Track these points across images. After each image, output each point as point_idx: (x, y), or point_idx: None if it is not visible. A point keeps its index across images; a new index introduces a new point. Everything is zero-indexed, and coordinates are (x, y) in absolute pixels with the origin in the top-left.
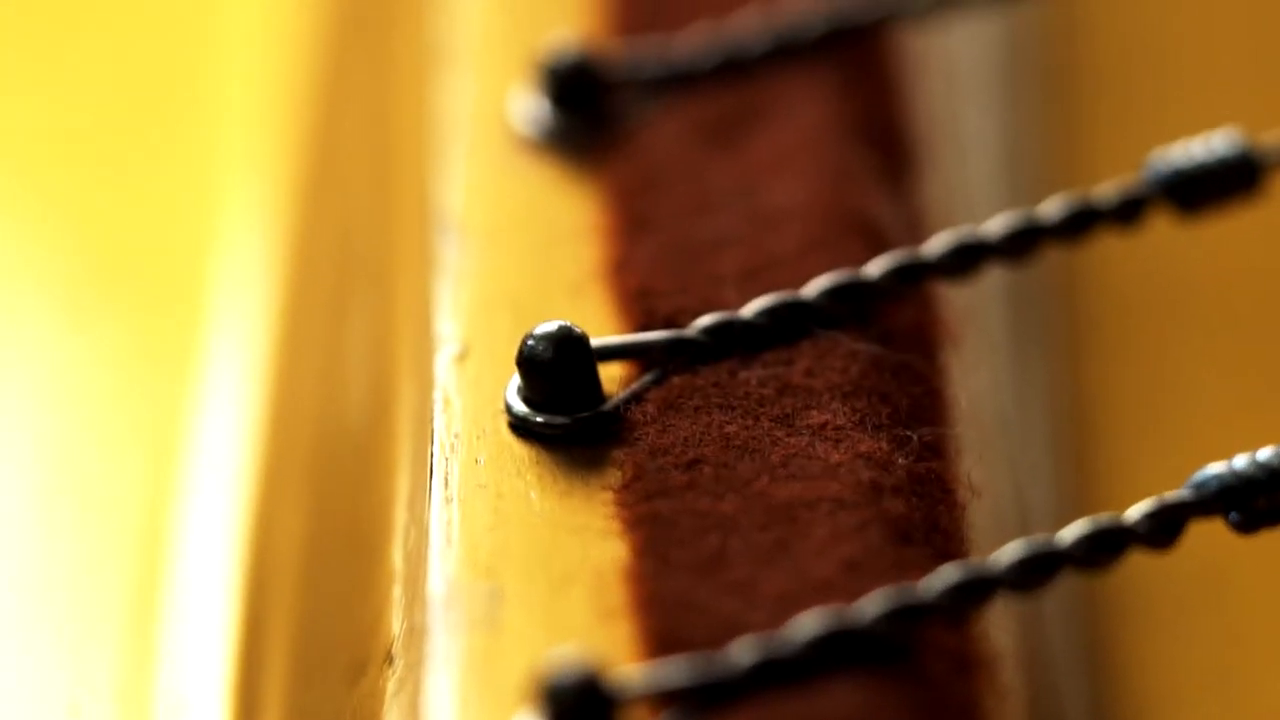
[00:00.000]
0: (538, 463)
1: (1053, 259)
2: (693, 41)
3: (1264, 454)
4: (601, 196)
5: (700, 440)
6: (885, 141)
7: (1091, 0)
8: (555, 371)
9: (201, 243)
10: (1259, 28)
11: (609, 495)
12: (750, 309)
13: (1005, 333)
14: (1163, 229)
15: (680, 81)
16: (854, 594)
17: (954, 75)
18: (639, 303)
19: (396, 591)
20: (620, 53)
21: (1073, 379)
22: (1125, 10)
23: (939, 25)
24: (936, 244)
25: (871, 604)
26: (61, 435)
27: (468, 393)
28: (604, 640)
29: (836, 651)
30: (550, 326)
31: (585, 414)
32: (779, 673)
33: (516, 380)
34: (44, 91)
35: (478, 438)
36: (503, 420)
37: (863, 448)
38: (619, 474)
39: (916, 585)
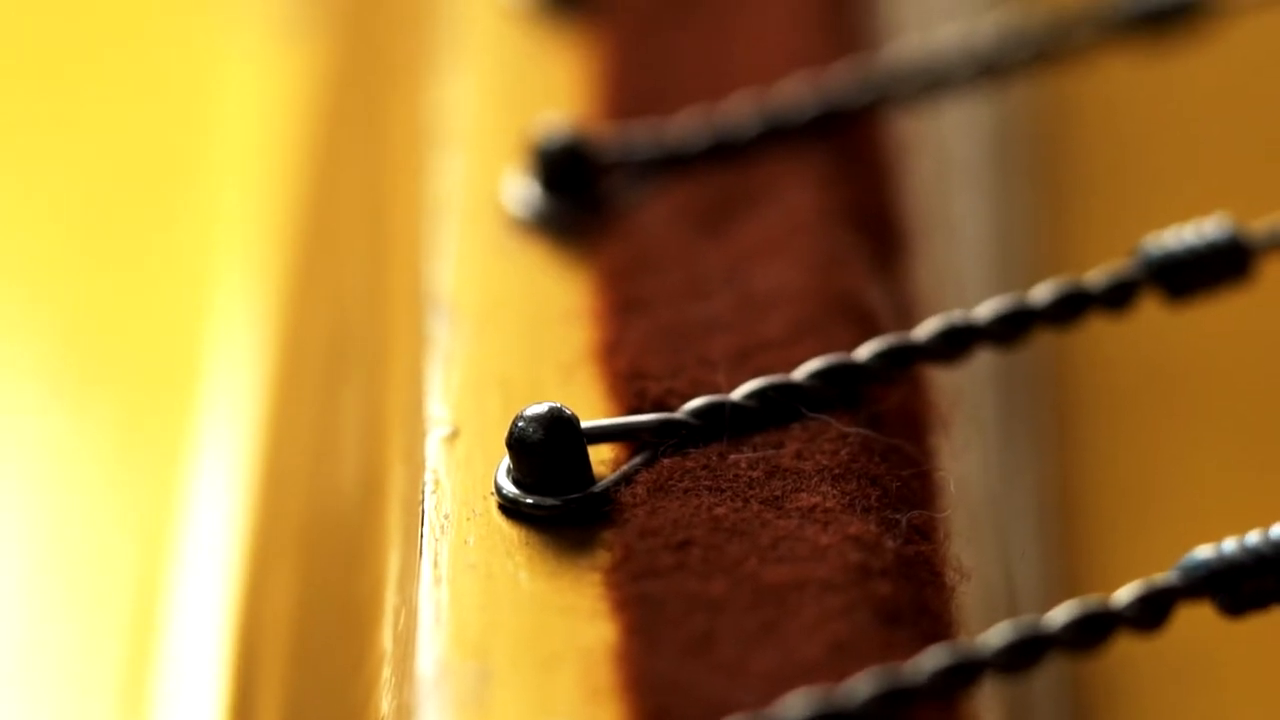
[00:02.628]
0: (527, 544)
1: (1042, 342)
2: (684, 125)
3: (1252, 539)
4: (593, 279)
5: (689, 522)
6: (876, 226)
7: (1081, 86)
8: (545, 453)
9: (193, 325)
10: (1245, 116)
11: (598, 576)
12: (740, 392)
13: (995, 416)
14: (1151, 313)
15: (671, 164)
16: (842, 675)
17: (945, 160)
18: (629, 385)
19: (386, 671)
20: (612, 136)
21: (1061, 462)
22: (1115, 96)
23: (929, 110)
24: (926, 328)
25: (860, 685)
26: (53, 517)
27: (458, 474)
28: None
29: None
30: (540, 408)
31: (575, 495)
32: None
33: (506, 461)
34: (38, 177)
35: (468, 519)
36: (493, 501)
37: (851, 530)
38: (608, 555)
39: (905, 667)
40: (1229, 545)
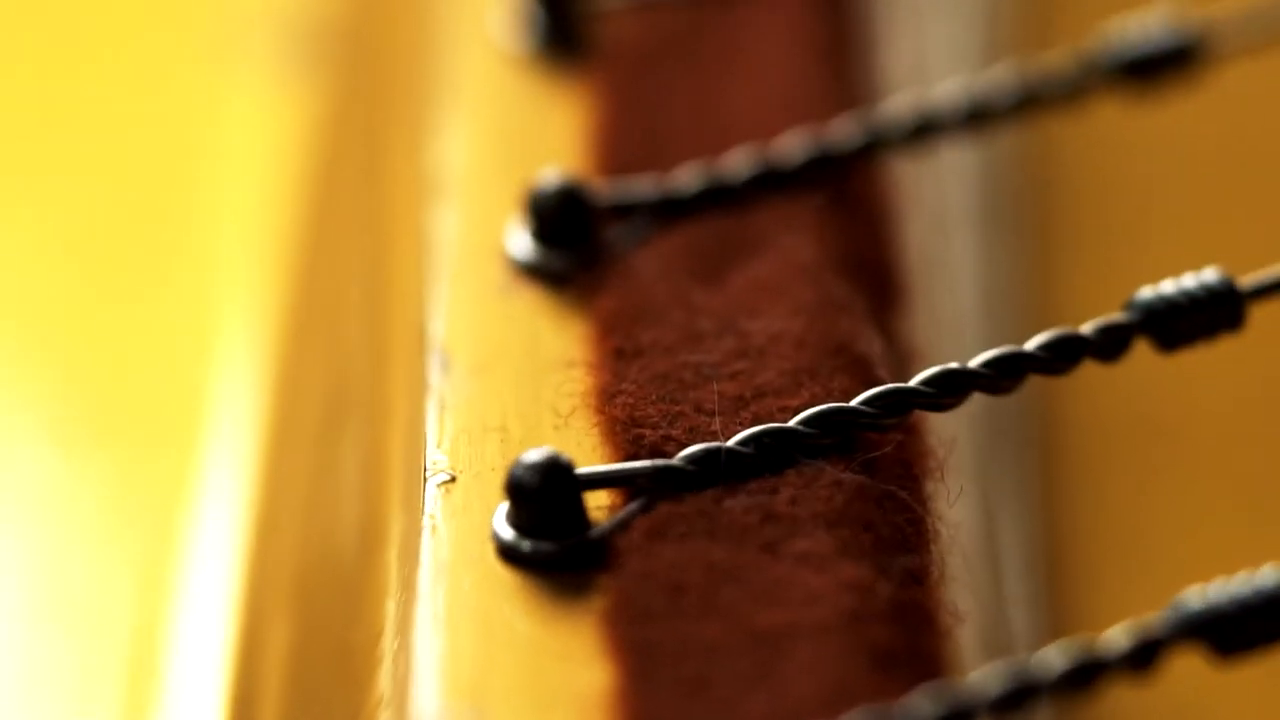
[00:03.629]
0: (524, 589)
1: (1034, 388)
2: (680, 173)
3: (1238, 586)
4: (590, 327)
5: (685, 567)
6: (871, 272)
7: (1073, 133)
8: (542, 499)
9: (192, 371)
10: (1236, 166)
11: (594, 621)
12: (736, 439)
13: (988, 462)
14: (1141, 361)
15: (668, 212)
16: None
17: (940, 207)
18: (626, 432)
19: (384, 716)
20: (608, 184)
21: (1053, 507)
22: (1107, 143)
23: (924, 156)
24: (921, 374)
25: None
26: (51, 562)
27: (456, 519)
28: None
29: None
30: (538, 454)
31: (572, 541)
32: None
33: (504, 507)
34: (37, 222)
35: (465, 564)
36: (490, 547)
37: (846, 575)
38: (604, 600)
39: (896, 710)
40: (1216, 591)
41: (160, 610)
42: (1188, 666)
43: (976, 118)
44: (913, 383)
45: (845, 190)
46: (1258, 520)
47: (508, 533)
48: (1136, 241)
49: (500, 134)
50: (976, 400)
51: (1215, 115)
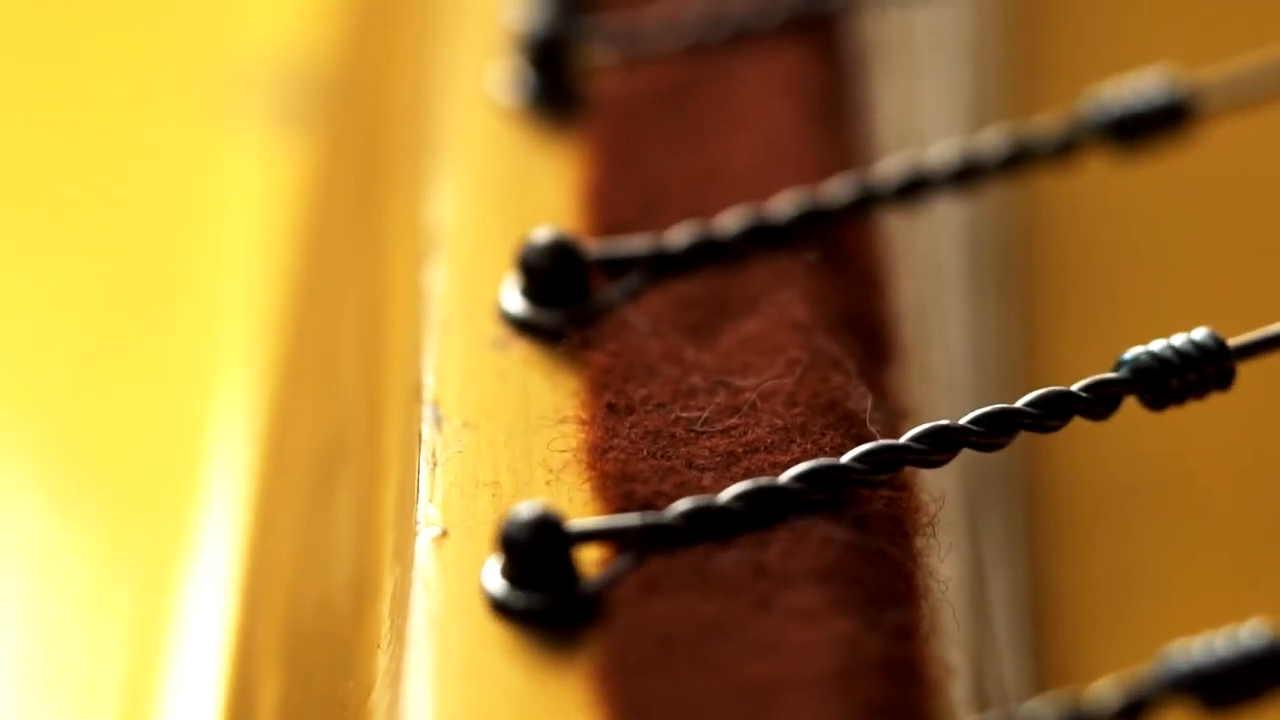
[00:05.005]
0: (515, 643)
1: (1023, 443)
2: (673, 230)
3: (1222, 642)
4: (582, 382)
5: (676, 622)
6: (862, 330)
7: (1064, 190)
8: (533, 554)
9: (186, 426)
10: (1223, 225)
11: (586, 675)
12: (727, 495)
13: (978, 517)
14: (1129, 417)
15: (660, 268)
16: None
17: (933, 266)
18: (617, 487)
19: None
20: (602, 241)
21: (1041, 561)
22: (1097, 201)
23: (915, 213)
24: (912, 431)
25: None
26: (42, 616)
27: (448, 573)
28: None
29: None
30: (529, 509)
31: (563, 596)
32: None
33: (496, 561)
34: (30, 281)
35: (457, 618)
36: (482, 601)
37: (836, 630)
38: (596, 655)
39: None
40: (1200, 648)
41: (153, 663)
42: None
43: (968, 175)
44: (903, 439)
45: (837, 247)
46: (1243, 573)
47: (499, 587)
48: (1126, 299)
49: (494, 190)
50: (967, 455)
51: (1203, 174)
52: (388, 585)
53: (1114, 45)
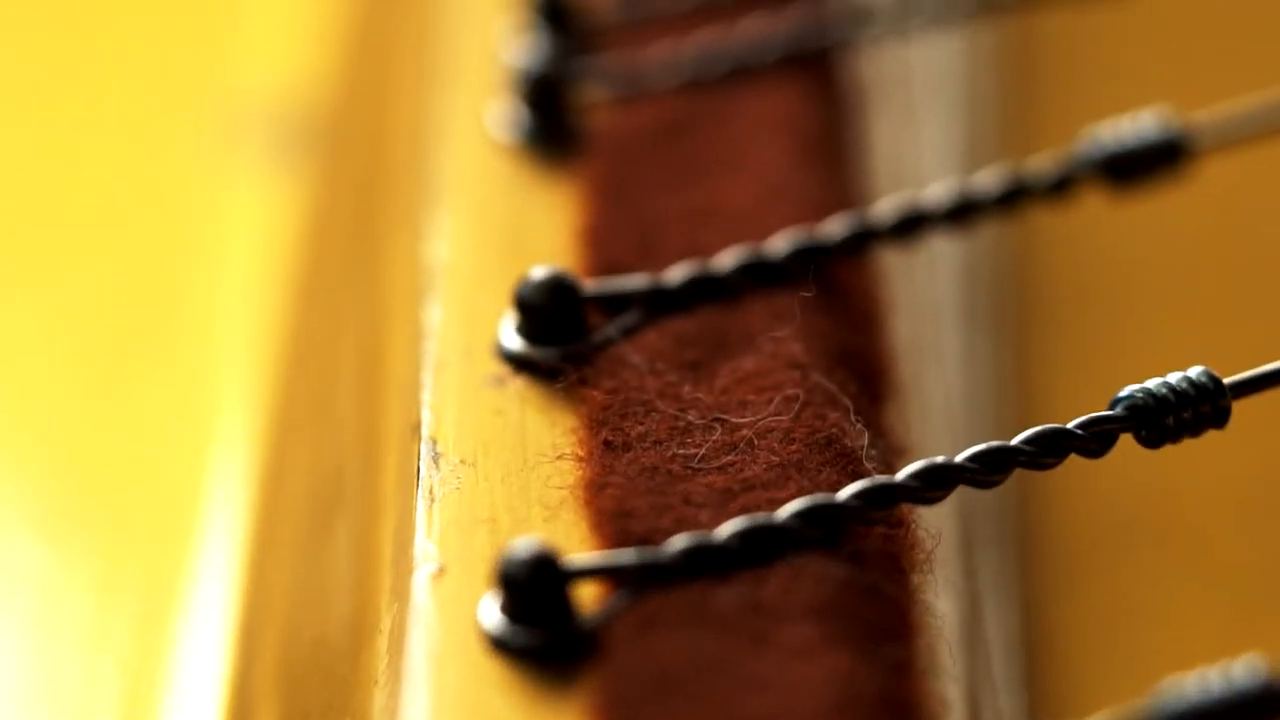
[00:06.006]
0: (512, 680)
1: (1018, 480)
2: (670, 267)
3: (1217, 679)
4: (579, 419)
5: (673, 658)
6: (859, 367)
7: (1059, 232)
8: (530, 590)
9: (183, 461)
10: (1218, 263)
11: (583, 712)
12: (724, 531)
13: (974, 553)
14: (1124, 453)
15: (657, 305)
16: None
17: (930, 303)
18: (614, 523)
19: None
20: (599, 278)
21: (1036, 597)
22: (1093, 238)
23: (911, 251)
24: (909, 468)
25: None
26: (39, 654)
27: (445, 610)
28: None
29: None
30: (526, 546)
31: (560, 632)
32: None
33: (493, 598)
34: (28, 316)
35: (454, 654)
36: (479, 638)
37: (834, 666)
38: (593, 691)
39: None
40: (1193, 685)
41: (149, 698)
42: None
43: (964, 212)
44: (900, 476)
45: (833, 284)
46: (1238, 609)
47: (496, 623)
48: (1121, 336)
49: (491, 227)
50: (963, 491)
51: (1198, 213)
52: (385, 621)
53: (1110, 84)
